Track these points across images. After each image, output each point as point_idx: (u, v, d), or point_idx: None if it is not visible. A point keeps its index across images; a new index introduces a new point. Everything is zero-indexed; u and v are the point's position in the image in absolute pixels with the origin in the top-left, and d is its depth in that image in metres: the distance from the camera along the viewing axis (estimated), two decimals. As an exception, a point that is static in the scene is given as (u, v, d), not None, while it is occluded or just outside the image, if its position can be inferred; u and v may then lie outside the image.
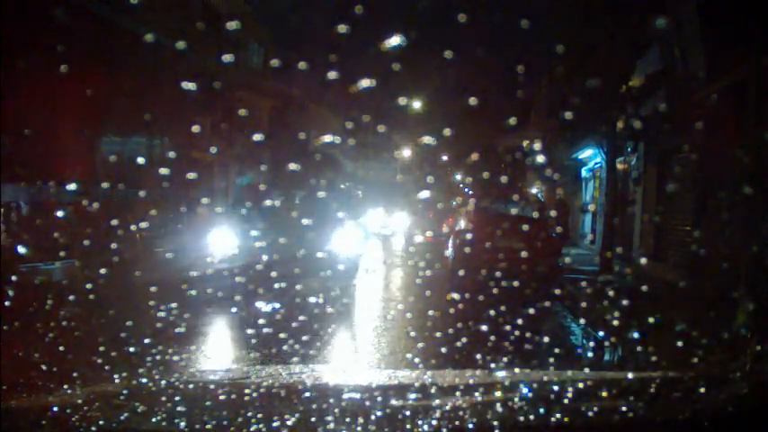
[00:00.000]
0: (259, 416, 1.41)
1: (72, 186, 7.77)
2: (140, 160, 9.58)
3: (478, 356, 3.89)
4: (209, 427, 1.40)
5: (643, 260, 12.16)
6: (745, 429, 1.46)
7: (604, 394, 1.71)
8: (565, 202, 19.10)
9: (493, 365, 3.66)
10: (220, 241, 9.43)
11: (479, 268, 7.74)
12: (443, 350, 4.62)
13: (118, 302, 5.92)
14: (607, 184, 13.07)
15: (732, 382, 1.78)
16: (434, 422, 1.41)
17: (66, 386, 1.83)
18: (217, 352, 5.55)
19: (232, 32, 17.56)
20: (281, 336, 4.85)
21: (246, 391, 1.69)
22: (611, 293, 7.62)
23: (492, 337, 4.38)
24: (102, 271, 7.76)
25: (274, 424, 1.39)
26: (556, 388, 1.71)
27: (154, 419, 1.45)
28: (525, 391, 1.67)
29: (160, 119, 10.12)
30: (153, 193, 9.83)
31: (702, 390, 1.71)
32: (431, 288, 9.45)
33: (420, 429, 1.38)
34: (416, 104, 24.75)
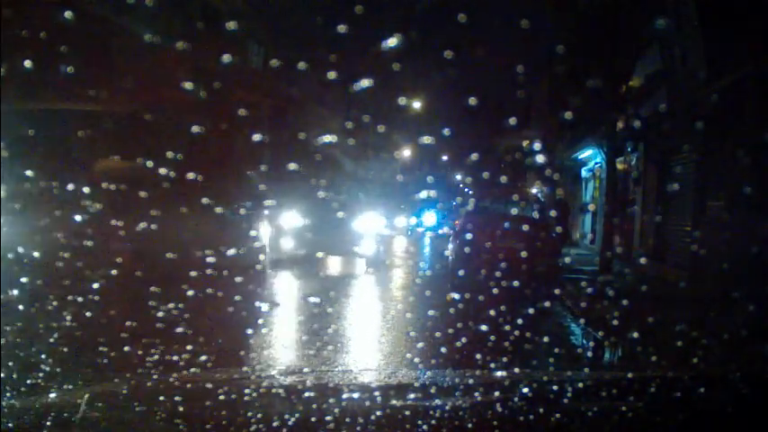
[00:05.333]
0: (259, 416, 1.41)
1: (72, 186, 7.75)
2: (140, 160, 9.55)
3: (478, 356, 3.89)
4: (209, 426, 1.40)
5: (643, 260, 12.17)
6: (745, 429, 1.46)
7: (604, 394, 1.71)
8: (565, 202, 19.10)
9: (493, 365, 3.65)
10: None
11: (479, 268, 7.73)
12: (443, 350, 4.62)
13: (118, 302, 5.90)
14: (607, 184, 13.07)
15: (732, 382, 1.78)
16: (434, 422, 1.41)
17: (66, 386, 1.83)
18: (217, 352, 5.54)
19: (232, 32, 17.55)
20: (282, 336, 4.85)
21: (246, 391, 1.69)
22: (611, 293, 7.62)
23: (492, 337, 4.37)
24: (102, 271, 7.73)
25: (274, 424, 1.39)
26: (556, 388, 1.70)
27: (154, 419, 1.44)
28: (525, 391, 1.66)
29: (160, 119, 10.09)
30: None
31: (702, 390, 1.71)
32: (431, 288, 9.44)
33: (420, 429, 1.38)
34: (416, 104, 24.76)
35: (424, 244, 22.86)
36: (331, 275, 11.44)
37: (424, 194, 28.62)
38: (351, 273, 12.05)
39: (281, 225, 11.98)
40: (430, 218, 27.81)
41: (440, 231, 22.43)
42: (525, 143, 28.09)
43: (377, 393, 1.67)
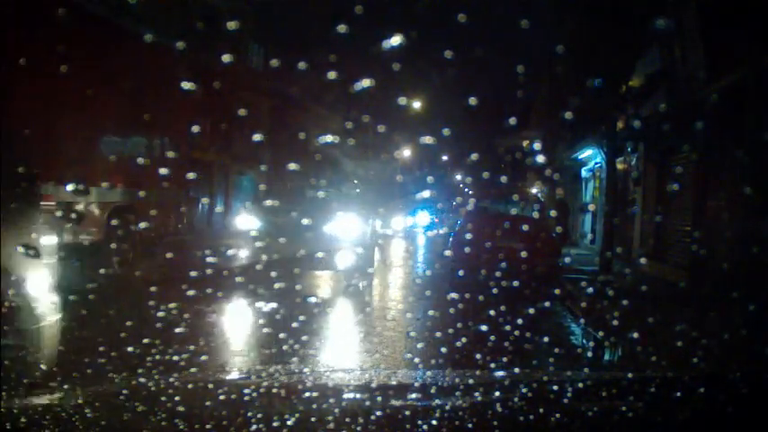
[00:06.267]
0: (259, 416, 1.41)
1: (72, 186, 7.77)
2: (140, 160, 9.59)
3: (478, 356, 3.89)
4: (209, 426, 1.40)
5: (643, 260, 12.17)
6: (745, 429, 1.46)
7: (604, 394, 1.71)
8: (565, 202, 19.12)
9: (493, 365, 3.65)
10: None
11: (479, 268, 7.74)
12: (443, 350, 4.62)
13: (118, 302, 5.92)
14: (607, 184, 13.08)
15: (732, 382, 1.78)
16: (434, 422, 1.41)
17: (66, 386, 1.83)
18: (217, 352, 5.55)
19: (232, 32, 17.57)
20: (281, 336, 4.85)
21: (246, 391, 1.69)
22: (611, 293, 7.62)
23: (492, 337, 4.37)
24: (102, 271, 7.75)
25: (274, 424, 1.39)
26: (556, 388, 1.71)
27: (154, 419, 1.45)
28: (525, 391, 1.67)
29: (160, 119, 10.12)
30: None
31: (702, 390, 1.71)
32: (430, 288, 9.45)
33: (420, 429, 1.38)
34: (416, 104, 24.79)
35: (422, 246, 22.78)
36: (289, 299, 7.31)
37: (423, 195, 28.66)
38: (322, 294, 9.24)
39: (234, 229, 10.36)
40: (429, 218, 27.84)
41: (440, 231, 22.42)
42: (525, 143, 28.13)
43: (377, 393, 1.67)
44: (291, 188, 11.24)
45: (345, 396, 1.66)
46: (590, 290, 9.10)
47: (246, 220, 10.09)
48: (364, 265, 11.17)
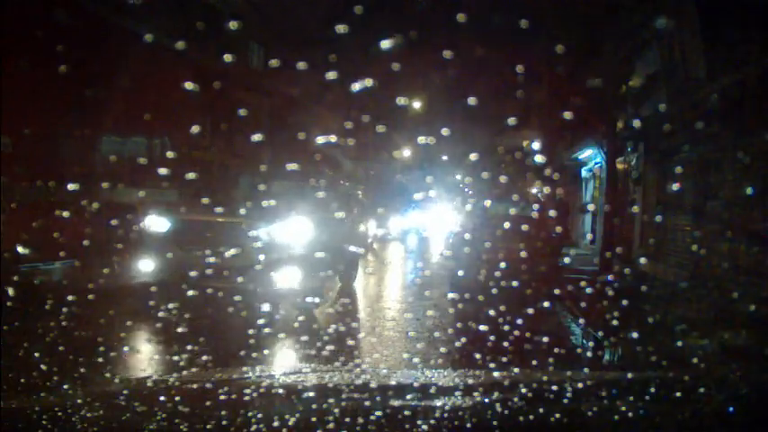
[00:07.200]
0: (259, 416, 1.42)
1: (72, 186, 7.76)
2: (141, 160, 9.59)
3: (478, 356, 3.88)
4: (209, 426, 1.40)
5: (643, 260, 12.17)
6: (745, 429, 1.46)
7: (604, 394, 1.71)
8: (565, 202, 19.10)
9: (493, 365, 3.65)
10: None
11: (479, 268, 7.73)
12: (443, 350, 4.62)
13: (118, 302, 5.92)
14: (607, 184, 13.08)
15: (732, 382, 1.78)
16: (434, 422, 1.41)
17: (66, 386, 1.83)
18: (217, 352, 5.54)
19: (232, 32, 17.58)
20: (281, 336, 4.85)
21: (246, 391, 1.69)
22: (611, 293, 7.61)
23: (492, 337, 4.37)
24: (102, 271, 7.73)
25: (274, 424, 1.39)
26: (555, 388, 1.71)
27: (154, 419, 1.45)
28: (525, 391, 1.67)
29: (160, 119, 10.12)
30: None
31: (702, 390, 1.71)
32: (430, 288, 9.45)
33: (420, 429, 1.38)
34: (416, 104, 24.76)
35: (421, 247, 22.69)
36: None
37: (422, 195, 28.60)
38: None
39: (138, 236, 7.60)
40: (427, 218, 27.67)
41: (439, 232, 22.28)
42: (525, 143, 28.09)
43: (377, 393, 1.67)
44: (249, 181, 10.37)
45: (345, 396, 1.66)
46: (590, 290, 9.09)
47: (156, 222, 7.88)
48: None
